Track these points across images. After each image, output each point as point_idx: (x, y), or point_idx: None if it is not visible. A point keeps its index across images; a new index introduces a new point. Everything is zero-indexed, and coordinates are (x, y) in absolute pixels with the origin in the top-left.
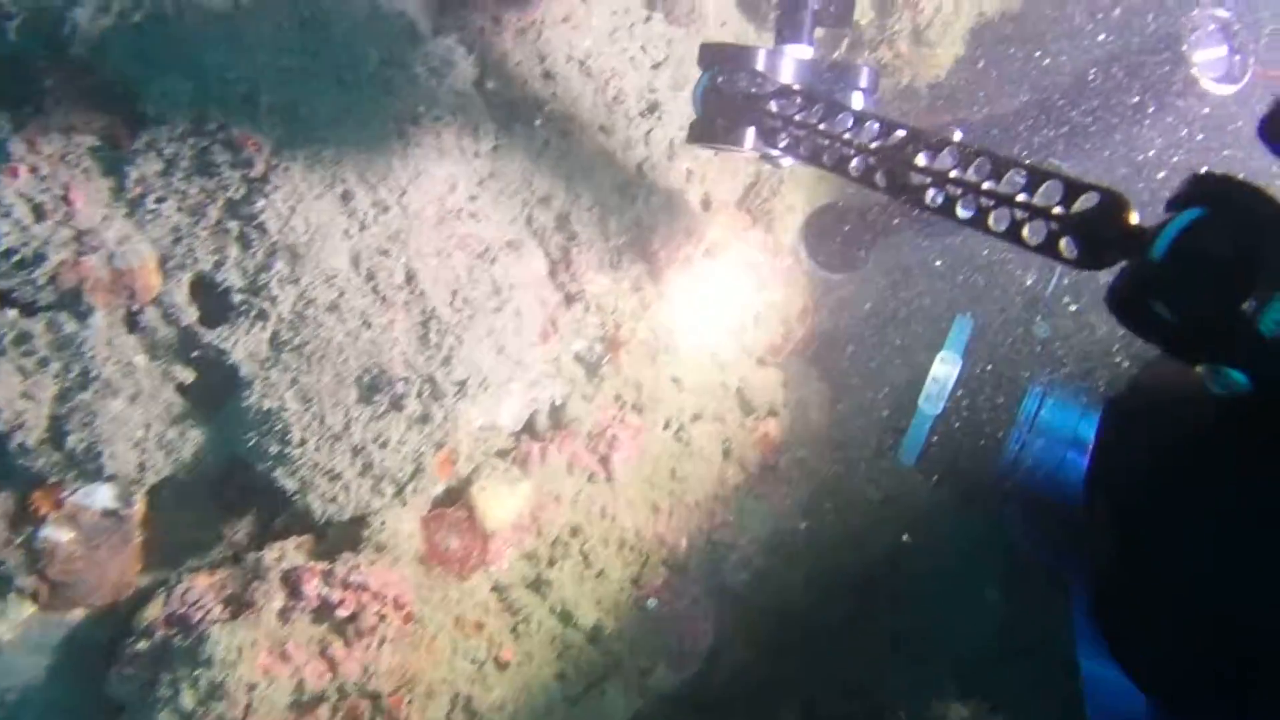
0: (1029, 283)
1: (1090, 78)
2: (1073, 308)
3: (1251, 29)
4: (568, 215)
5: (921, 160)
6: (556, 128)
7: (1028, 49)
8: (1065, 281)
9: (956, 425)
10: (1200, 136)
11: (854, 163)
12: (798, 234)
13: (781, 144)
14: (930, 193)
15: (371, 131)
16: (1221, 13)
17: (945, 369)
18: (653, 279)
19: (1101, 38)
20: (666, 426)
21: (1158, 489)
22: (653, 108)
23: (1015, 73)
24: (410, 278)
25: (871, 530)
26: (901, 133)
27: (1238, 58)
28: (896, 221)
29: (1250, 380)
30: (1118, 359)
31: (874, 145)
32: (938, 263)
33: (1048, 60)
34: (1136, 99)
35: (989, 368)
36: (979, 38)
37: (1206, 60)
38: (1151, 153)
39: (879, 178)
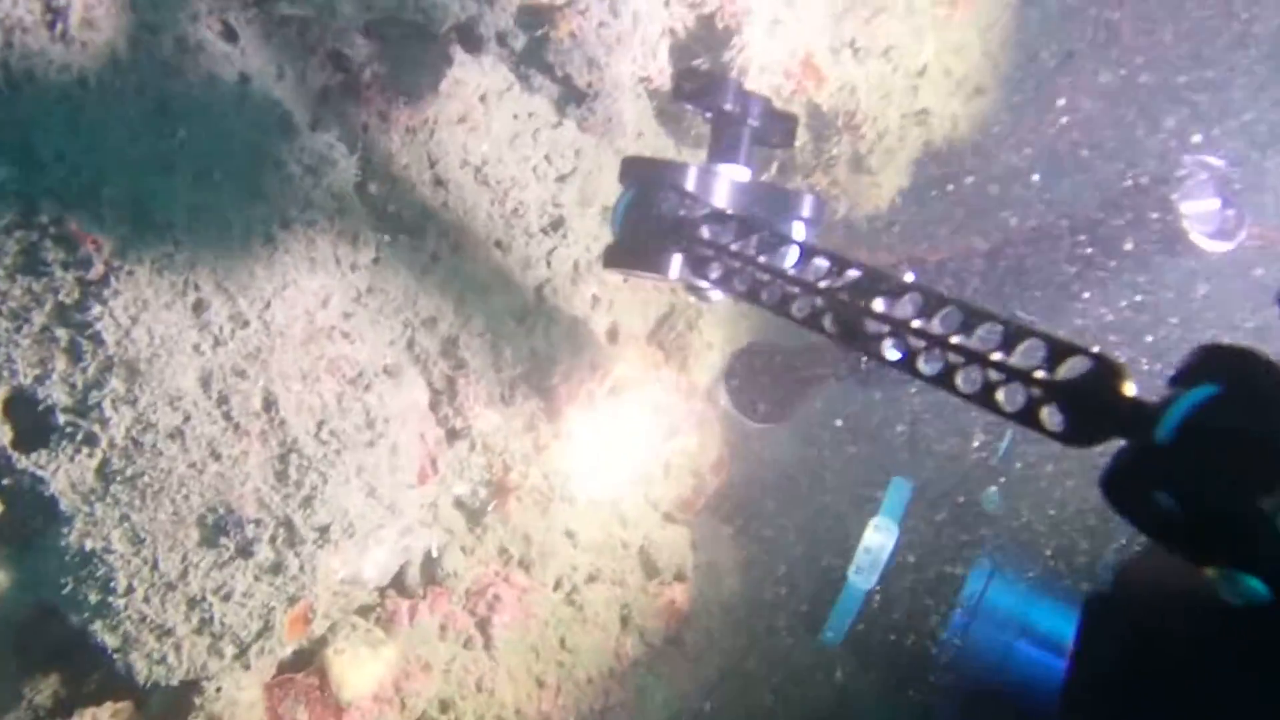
0: (976, 444)
1: (1054, 229)
2: (1029, 476)
3: (1249, 184)
4: (455, 340)
5: (878, 305)
6: (447, 241)
7: (979, 184)
8: (1022, 446)
9: (889, 602)
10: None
11: (798, 304)
12: (717, 376)
13: (713, 275)
14: (888, 344)
15: (233, 235)
16: (1215, 161)
17: (879, 538)
18: (549, 417)
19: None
20: (557, 587)
21: (1155, 710)
22: (556, 224)
23: (967, 211)
24: (269, 404)
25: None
26: (855, 273)
27: (1231, 212)
28: (829, 370)
29: (1271, 590)
30: (1083, 540)
31: (823, 285)
32: (874, 416)
33: (1004, 208)
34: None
35: (929, 537)
36: (923, 169)
37: (1197, 213)
38: (1126, 310)
39: (827, 322)
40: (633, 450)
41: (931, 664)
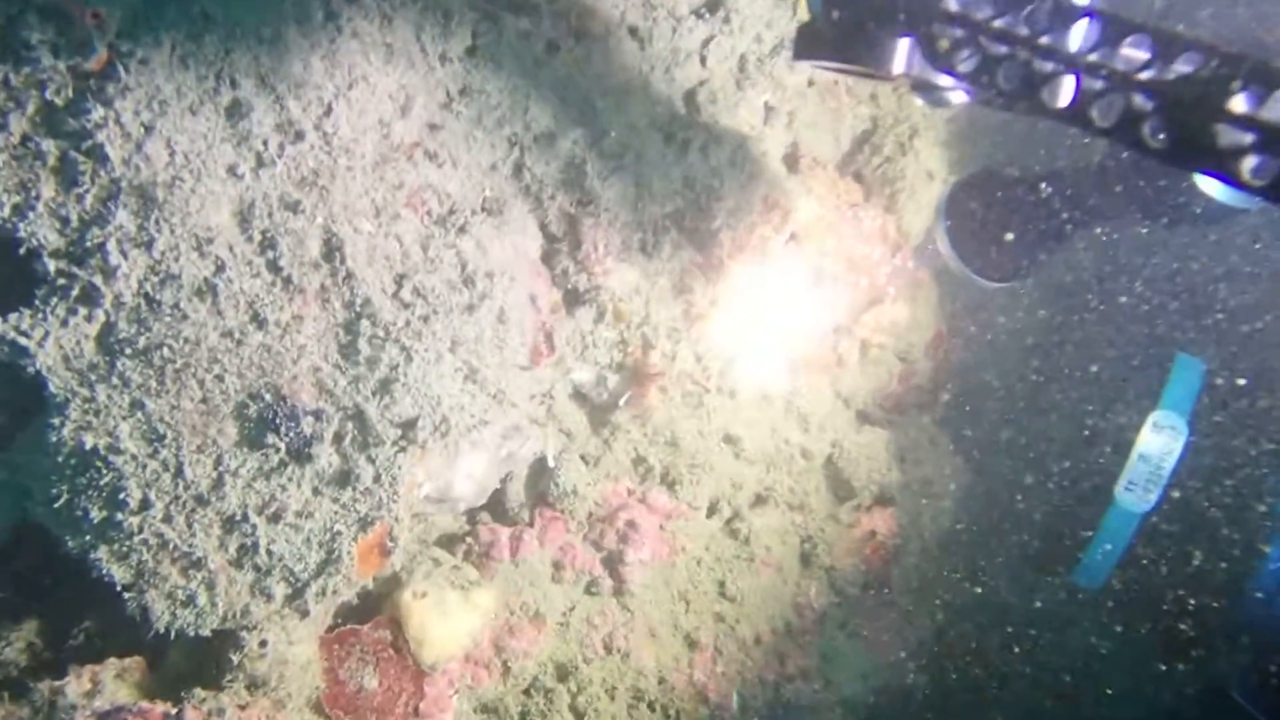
0: None
1: None
2: None
3: None
4: (579, 164)
5: (1240, 104)
6: (567, 25)
7: None
8: None
9: (1171, 532)
10: None
11: (1101, 104)
12: (936, 216)
13: (962, 66)
14: (1251, 161)
15: (284, 8)
16: None
17: (1161, 441)
18: (707, 275)
19: None
20: (714, 513)
21: None
22: (714, 4)
23: None
24: (331, 250)
25: (1019, 693)
26: (1195, 58)
27: None
28: (1104, 205)
29: None
30: None
31: (1141, 75)
32: (1147, 270)
33: None
34: None
35: (1229, 441)
36: None
37: None
38: None
39: (1153, 132)
40: (819, 322)
41: (1228, 623)
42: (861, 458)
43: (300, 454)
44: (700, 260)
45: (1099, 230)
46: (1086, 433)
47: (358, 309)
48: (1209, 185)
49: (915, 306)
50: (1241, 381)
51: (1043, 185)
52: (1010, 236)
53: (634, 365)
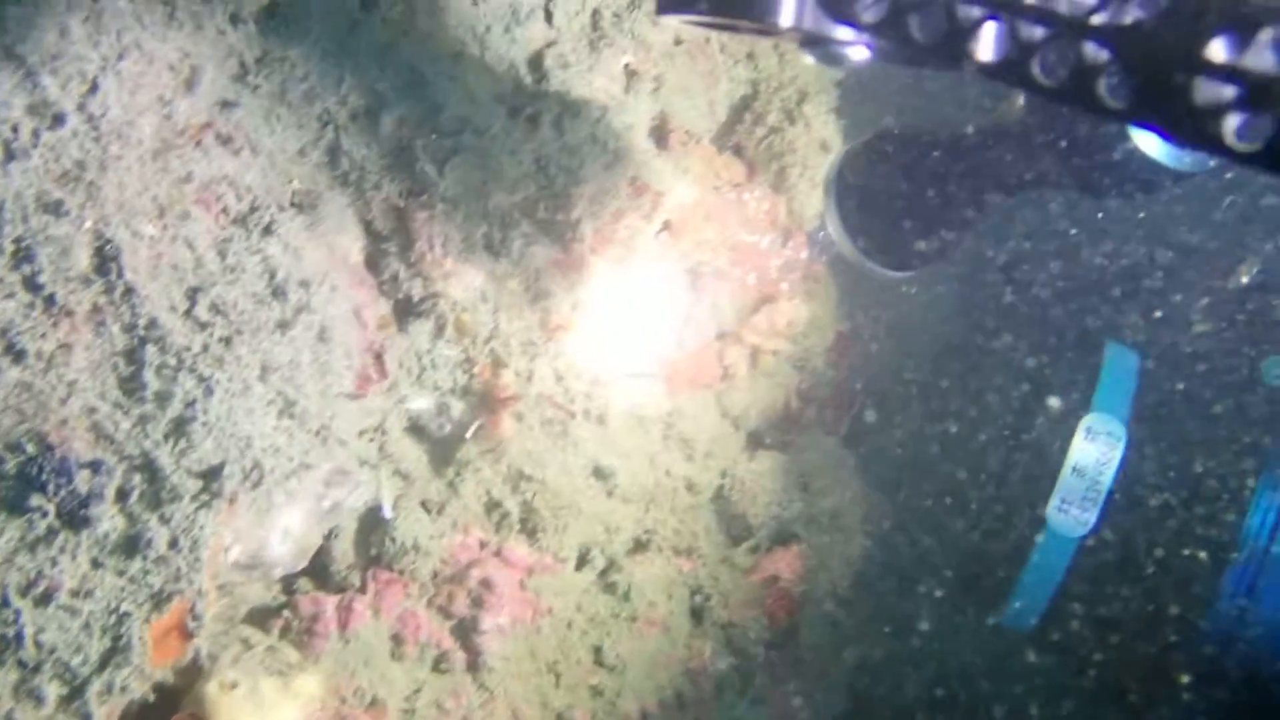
0: (1245, 279)
1: None
2: None
3: None
4: (408, 147)
5: (1219, 51)
6: None
7: None
8: None
9: (1112, 556)
10: None
11: (1042, 57)
12: (825, 192)
13: (868, 14)
14: (1234, 121)
15: None
16: None
17: (1095, 449)
18: (567, 276)
19: None
20: (584, 564)
21: None
22: None
23: None
24: (105, 261)
25: None
26: None
27: None
28: (1014, 168)
29: None
30: None
31: (1096, 20)
32: (1069, 249)
33: None
34: None
35: (1176, 440)
36: None
37: None
38: None
39: (1111, 89)
40: (700, 329)
41: (1195, 644)
42: (757, 489)
43: (74, 517)
44: (558, 258)
45: (1015, 203)
46: (1009, 445)
47: (141, 332)
48: (1149, 145)
49: (813, 305)
50: (1182, 374)
51: (949, 151)
52: (912, 212)
53: (482, 389)
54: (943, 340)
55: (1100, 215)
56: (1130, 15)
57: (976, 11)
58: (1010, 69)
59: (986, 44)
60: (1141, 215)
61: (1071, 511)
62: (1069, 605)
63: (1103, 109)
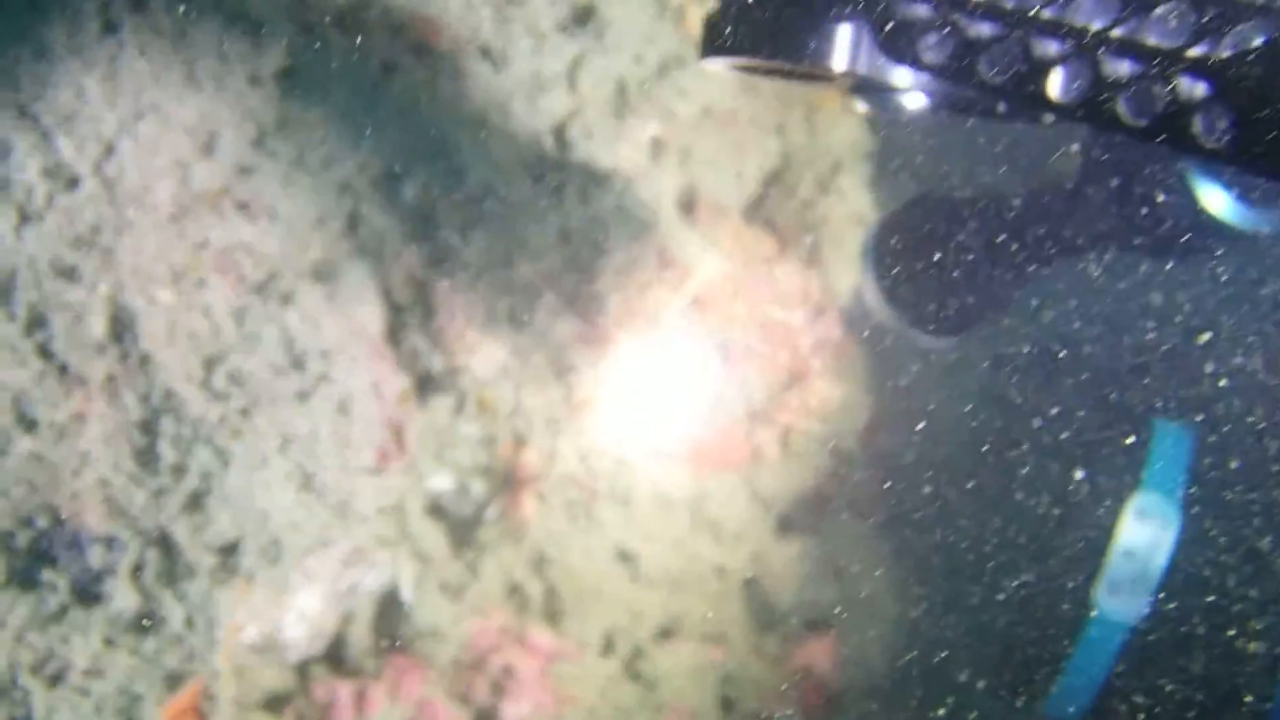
0: None
1: None
2: None
3: None
4: (430, 215)
5: None
6: (405, 40)
7: None
8: None
9: (1166, 644)
10: None
11: (1130, 95)
12: (862, 257)
13: (931, 54)
14: None
15: (48, 22)
16: None
17: (1146, 531)
18: (591, 351)
19: None
20: (609, 651)
21: None
22: (583, 15)
23: None
24: (120, 329)
25: None
26: (1266, 23)
27: None
28: (1066, 229)
29: None
30: None
31: (1192, 52)
32: (1117, 318)
33: None
34: None
35: (1233, 524)
36: None
37: None
38: None
39: (1209, 128)
40: (729, 408)
41: None
42: (788, 574)
43: (87, 594)
44: (583, 331)
45: (1061, 268)
46: (1053, 528)
47: (157, 402)
48: (1216, 203)
49: (845, 384)
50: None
51: (993, 213)
52: (955, 277)
53: (504, 467)
54: (977, 418)
55: (1148, 278)
56: (1232, 47)
57: (1055, 48)
58: (1093, 109)
59: (1066, 83)
60: (1209, 273)
61: (1122, 596)
62: (1118, 696)
63: (1199, 149)
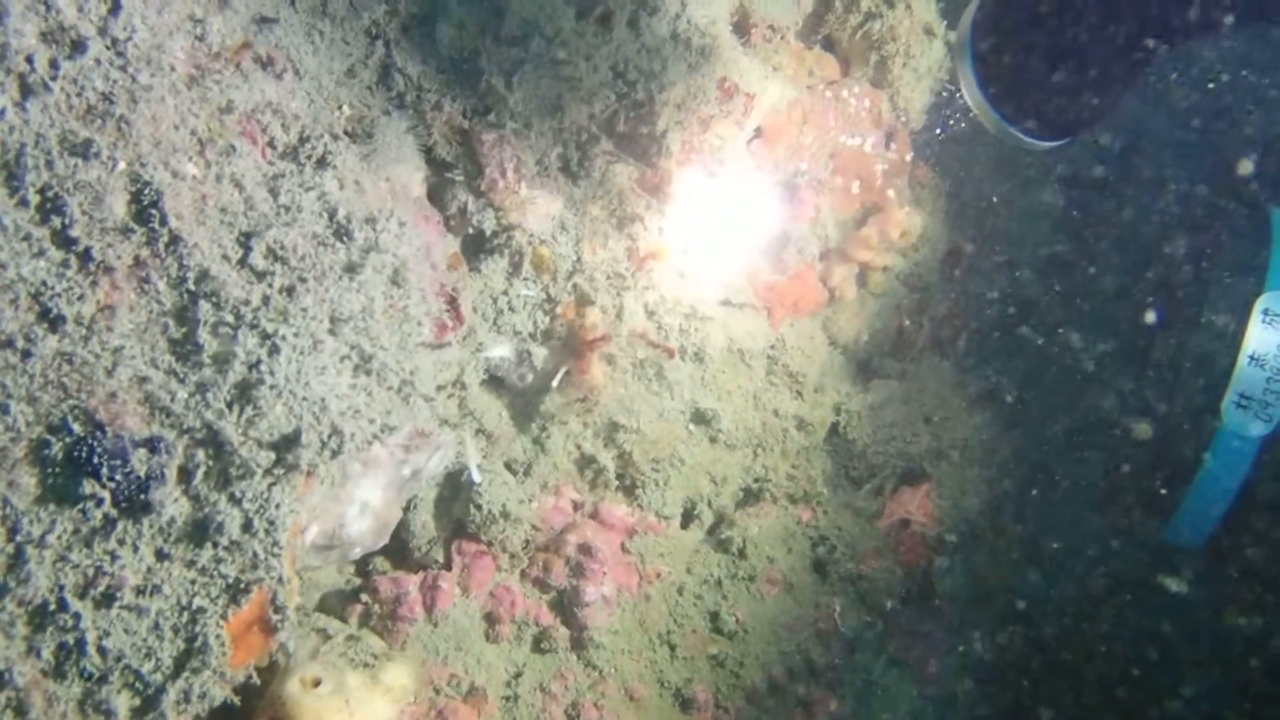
0: None
1: None
2: None
3: None
4: (472, 59)
5: None
6: None
7: None
8: None
9: None
10: None
11: None
12: (959, 49)
13: None
14: None
15: None
16: None
17: (1276, 334)
18: (654, 197)
19: None
20: (692, 521)
21: None
22: None
23: None
24: (144, 208)
25: (1109, 679)
26: None
27: None
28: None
29: None
30: None
31: None
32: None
33: None
34: None
35: None
36: None
37: None
38: None
39: None
40: (801, 248)
41: None
42: (876, 424)
43: (133, 504)
44: (643, 175)
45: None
46: (1172, 337)
47: (192, 287)
48: None
49: (922, 213)
50: None
51: None
52: (1068, 65)
53: (566, 331)
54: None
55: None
56: None
57: None
58: None
59: None
60: None
61: (1253, 408)
62: (1250, 518)
63: None
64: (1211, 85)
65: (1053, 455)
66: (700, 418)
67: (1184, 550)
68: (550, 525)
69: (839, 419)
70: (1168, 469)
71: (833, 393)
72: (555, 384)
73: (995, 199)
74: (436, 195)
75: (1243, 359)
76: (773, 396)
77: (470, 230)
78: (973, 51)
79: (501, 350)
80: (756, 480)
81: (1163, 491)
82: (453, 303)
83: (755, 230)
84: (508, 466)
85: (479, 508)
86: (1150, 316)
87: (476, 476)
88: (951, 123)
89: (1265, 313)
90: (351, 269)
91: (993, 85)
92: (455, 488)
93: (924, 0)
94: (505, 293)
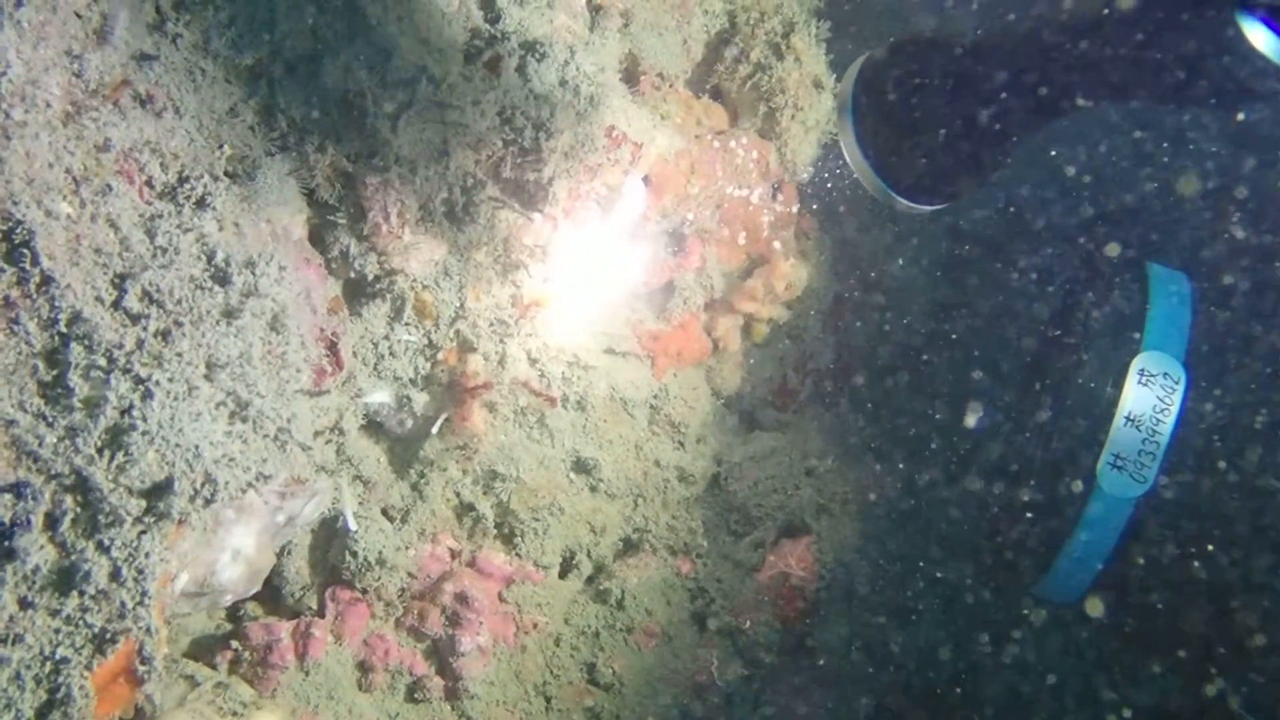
0: None
1: None
2: None
3: None
4: (357, 101)
5: None
6: None
7: None
8: None
9: (1173, 517)
10: None
11: None
12: (840, 110)
13: None
14: None
15: None
16: None
17: (1150, 394)
18: (538, 243)
19: None
20: (570, 571)
21: None
22: None
23: None
24: (15, 247)
25: None
26: None
27: None
28: (1090, 72)
29: None
30: None
31: None
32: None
33: None
34: None
35: (1242, 380)
36: None
37: None
38: None
39: None
40: (686, 298)
41: (1275, 611)
42: (757, 475)
43: None
44: (528, 223)
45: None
46: (1049, 396)
47: (63, 328)
48: (1260, 39)
49: (807, 265)
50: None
51: (999, 55)
52: (951, 133)
53: (448, 377)
54: (954, 281)
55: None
56: None
57: None
58: None
59: None
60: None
61: (1128, 468)
62: (1122, 574)
63: None
64: (1088, 153)
65: (929, 509)
66: (581, 466)
67: (1057, 606)
68: (427, 573)
69: (720, 470)
70: (1043, 526)
71: (714, 443)
72: (435, 430)
73: (879, 250)
74: (318, 237)
75: (1118, 419)
76: (654, 446)
77: (352, 274)
78: (854, 117)
79: (381, 396)
80: (636, 530)
81: (1038, 548)
82: (332, 348)
83: (640, 279)
84: (385, 513)
85: (354, 555)
86: (1028, 374)
87: (352, 524)
88: (838, 176)
89: (1141, 373)
90: (229, 314)
91: (872, 150)
92: (331, 533)
93: (813, 53)
94: (386, 338)
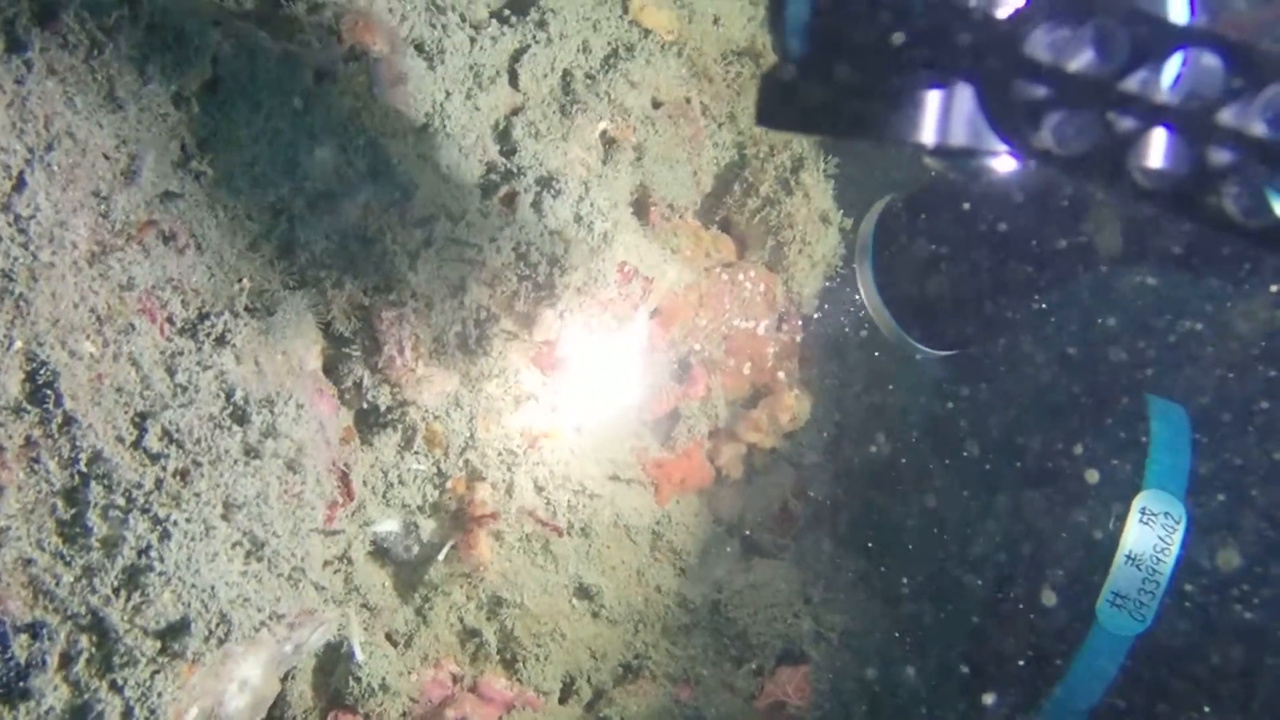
0: None
1: None
2: None
3: None
4: (376, 238)
5: None
6: (339, 42)
7: None
8: None
9: (1172, 656)
10: None
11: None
12: (860, 255)
13: (1062, 141)
14: None
15: None
16: None
17: (1151, 534)
18: (550, 375)
19: None
20: (570, 696)
21: None
22: (521, 4)
23: None
24: (39, 387)
25: None
26: None
27: None
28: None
29: None
30: None
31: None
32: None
33: None
34: None
35: (1243, 521)
36: None
37: None
38: None
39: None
40: (691, 426)
41: None
42: (756, 603)
43: (10, 691)
44: (540, 356)
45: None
46: (1048, 534)
47: (83, 468)
48: None
49: (810, 396)
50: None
51: (1022, 210)
52: (965, 292)
53: (456, 505)
54: (952, 417)
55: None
56: None
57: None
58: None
59: (1240, 199)
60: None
61: (1128, 606)
62: (1118, 713)
63: None
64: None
65: (928, 640)
66: (584, 592)
67: None
68: (429, 698)
69: (720, 597)
70: (1040, 660)
71: (715, 570)
72: (441, 557)
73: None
74: (332, 368)
75: (1119, 558)
76: (656, 573)
77: (364, 404)
78: (873, 261)
79: (389, 525)
80: (636, 656)
81: (1034, 682)
82: (344, 479)
83: (647, 409)
84: (389, 637)
85: (358, 680)
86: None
87: (359, 654)
88: (845, 310)
89: (1143, 511)
90: (248, 453)
91: (889, 294)
92: (334, 657)
93: (821, 189)
94: (396, 467)
